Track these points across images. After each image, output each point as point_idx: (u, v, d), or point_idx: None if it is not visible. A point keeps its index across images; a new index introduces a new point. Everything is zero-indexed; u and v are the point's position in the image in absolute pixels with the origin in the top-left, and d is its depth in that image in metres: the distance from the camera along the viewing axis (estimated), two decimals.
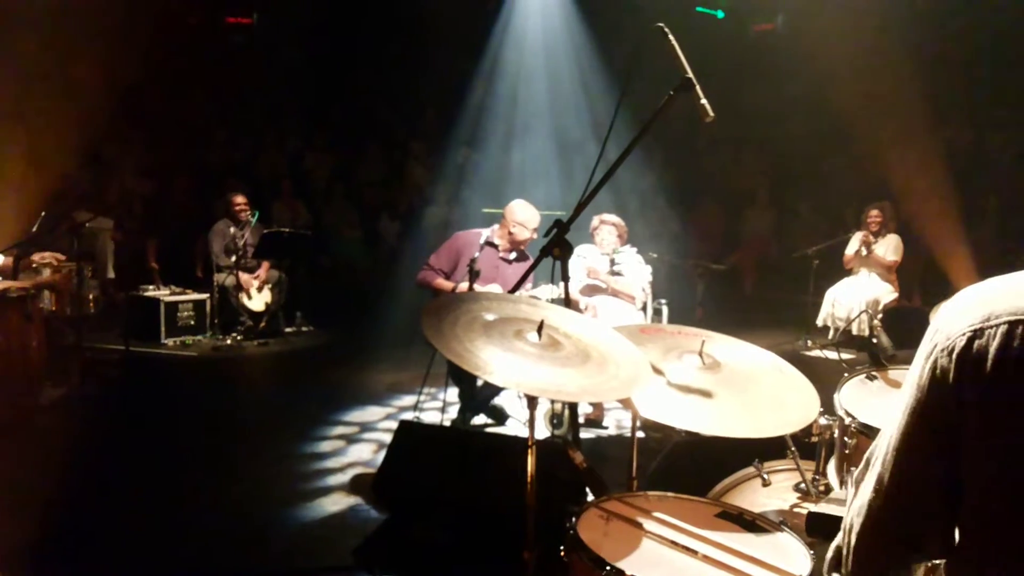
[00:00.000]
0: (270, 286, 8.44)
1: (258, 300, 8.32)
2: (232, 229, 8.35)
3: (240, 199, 8.50)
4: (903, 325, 7.57)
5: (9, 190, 6.69)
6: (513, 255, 5.46)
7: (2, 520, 3.77)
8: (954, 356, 1.16)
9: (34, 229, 6.40)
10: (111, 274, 8.89)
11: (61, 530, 3.76)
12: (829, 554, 1.41)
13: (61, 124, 7.77)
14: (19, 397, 5.46)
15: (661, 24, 2.63)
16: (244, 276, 8.22)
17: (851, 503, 1.34)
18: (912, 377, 1.24)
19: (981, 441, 1.15)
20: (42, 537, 3.64)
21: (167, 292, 8.33)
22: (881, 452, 1.28)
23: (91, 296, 7.31)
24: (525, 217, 5.39)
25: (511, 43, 11.22)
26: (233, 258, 8.20)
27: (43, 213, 6.52)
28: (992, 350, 1.13)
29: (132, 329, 7.48)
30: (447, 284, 5.27)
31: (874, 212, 8.02)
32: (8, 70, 7.70)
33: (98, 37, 8.12)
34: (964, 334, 1.16)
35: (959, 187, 8.94)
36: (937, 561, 1.29)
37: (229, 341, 8.07)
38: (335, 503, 4.32)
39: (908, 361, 1.28)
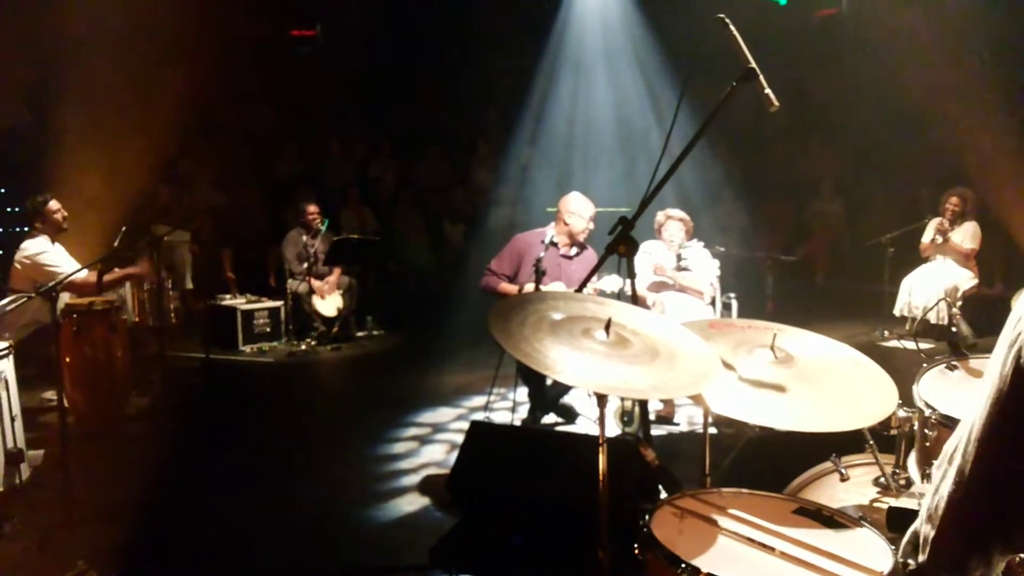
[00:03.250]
0: (341, 292, 8.59)
1: (330, 305, 8.48)
2: (304, 237, 8.53)
3: (312, 208, 8.69)
4: (984, 312, 7.32)
5: (89, 207, 6.96)
6: (573, 251, 5.45)
7: (94, 524, 3.92)
8: None
9: (116, 243, 6.63)
10: (189, 285, 9.17)
11: (148, 533, 3.90)
12: (905, 538, 1.38)
13: (137, 141, 8.06)
14: (107, 406, 5.66)
15: (722, 15, 2.60)
16: (315, 282, 8.40)
17: (931, 493, 1.31)
18: (994, 366, 1.20)
19: None
20: (131, 540, 3.78)
21: (243, 300, 8.56)
22: (962, 443, 1.24)
23: (172, 307, 7.56)
24: (579, 206, 5.40)
25: (571, 40, 11.20)
26: (305, 265, 8.38)
27: (124, 228, 6.75)
28: None
29: (211, 337, 7.70)
30: (511, 288, 5.29)
31: (953, 199, 7.74)
32: (86, 92, 8.03)
33: (170, 56, 8.40)
34: None
35: None
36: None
37: (303, 346, 8.24)
38: (410, 503, 4.39)
39: (990, 350, 1.25)
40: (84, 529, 3.82)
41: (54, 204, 5.92)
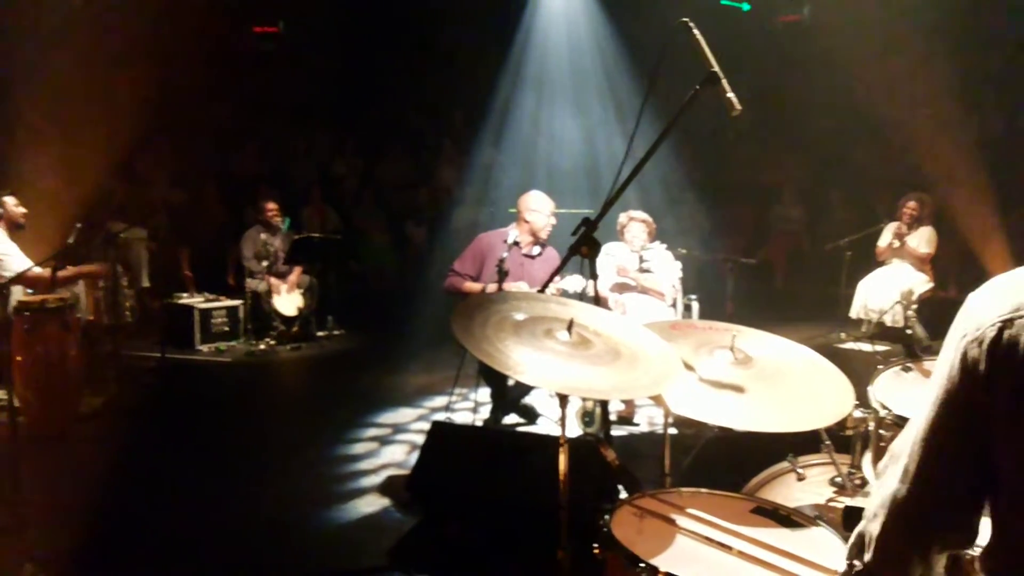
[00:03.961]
0: (301, 291, 8.52)
1: (290, 304, 8.40)
2: (263, 235, 8.44)
3: (271, 205, 8.61)
4: (939, 315, 7.47)
5: (44, 203, 6.81)
6: (536, 250, 5.45)
7: (44, 527, 3.84)
8: (984, 346, 1.15)
9: (70, 240, 6.50)
10: (146, 283, 9.01)
11: (101, 536, 3.82)
12: (851, 539, 1.40)
13: (94, 136, 7.90)
14: (59, 406, 5.54)
15: (686, 19, 2.62)
16: (274, 280, 8.31)
17: (876, 492, 1.32)
18: (941, 368, 1.22)
19: (1013, 432, 1.13)
20: (83, 542, 3.71)
21: (201, 299, 8.44)
22: (908, 443, 1.26)
23: (127, 305, 7.42)
24: (539, 203, 5.41)
25: (536, 42, 11.23)
26: (265, 263, 8.29)
27: (78, 224, 6.62)
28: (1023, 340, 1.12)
29: (168, 336, 7.59)
30: (475, 287, 5.28)
31: (911, 204, 7.88)
32: (41, 84, 7.86)
33: (128, 50, 8.25)
34: (994, 324, 1.15)
35: (993, 174, 8.80)
36: (965, 552, 1.27)
37: (262, 346, 8.15)
38: (370, 504, 4.35)
39: None
40: (34, 532, 3.75)
41: (13, 200, 5.80)
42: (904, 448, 1.27)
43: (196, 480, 4.72)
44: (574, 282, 5.05)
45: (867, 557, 1.31)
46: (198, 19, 10.04)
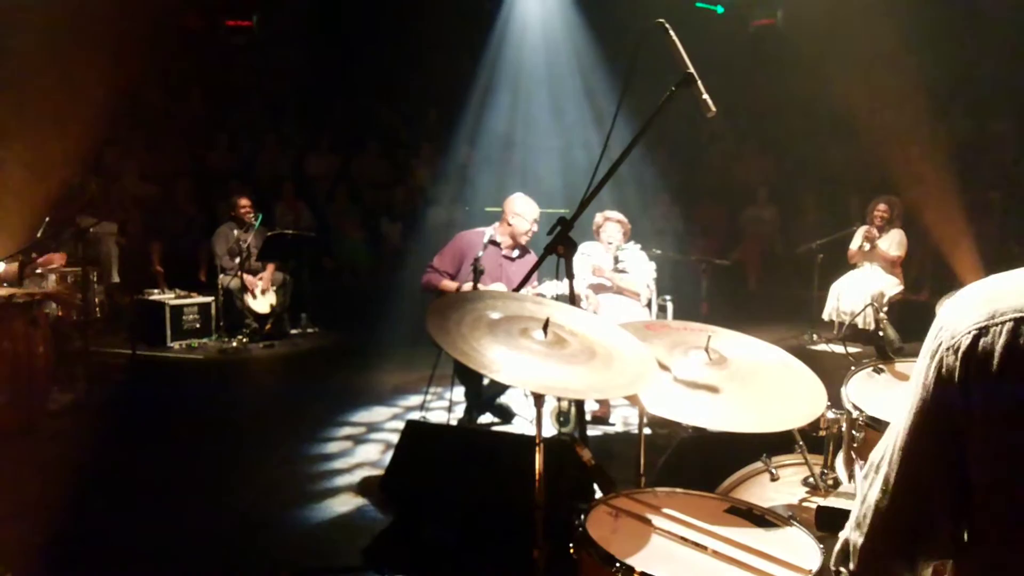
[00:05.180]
0: (275, 288, 8.46)
1: (263, 302, 8.34)
2: (236, 232, 8.36)
3: (244, 201, 8.53)
4: (910, 317, 7.56)
5: (12, 197, 6.71)
6: (516, 252, 5.45)
7: (12, 524, 3.78)
8: (960, 354, 1.15)
9: (39, 235, 6.41)
10: (116, 279, 8.91)
11: (70, 534, 3.77)
12: (837, 547, 1.41)
13: (63, 130, 7.78)
14: (27, 403, 5.45)
15: (662, 20, 2.62)
16: (248, 278, 8.24)
17: (858, 502, 1.33)
18: (917, 376, 1.22)
19: (988, 440, 1.14)
20: (51, 541, 3.65)
21: (172, 295, 8.35)
22: (888, 452, 1.27)
23: (97, 301, 7.33)
24: (524, 208, 5.40)
25: (511, 41, 11.24)
26: (237, 260, 8.22)
27: (47, 219, 6.52)
28: (998, 348, 1.12)
29: (138, 333, 7.50)
30: (452, 285, 5.27)
31: (882, 207, 7.97)
32: (9, 77, 7.73)
33: (98, 43, 8.13)
34: (969, 332, 1.15)
35: (962, 181, 8.93)
36: (945, 560, 1.28)
37: (235, 343, 8.08)
38: (343, 504, 4.33)
39: (915, 353, 1.28)
40: (1, 529, 3.68)
41: None
42: (885, 457, 1.27)
43: (167, 478, 4.67)
44: (550, 288, 5.04)
45: (852, 565, 1.32)
46: (170, 12, 9.92)
